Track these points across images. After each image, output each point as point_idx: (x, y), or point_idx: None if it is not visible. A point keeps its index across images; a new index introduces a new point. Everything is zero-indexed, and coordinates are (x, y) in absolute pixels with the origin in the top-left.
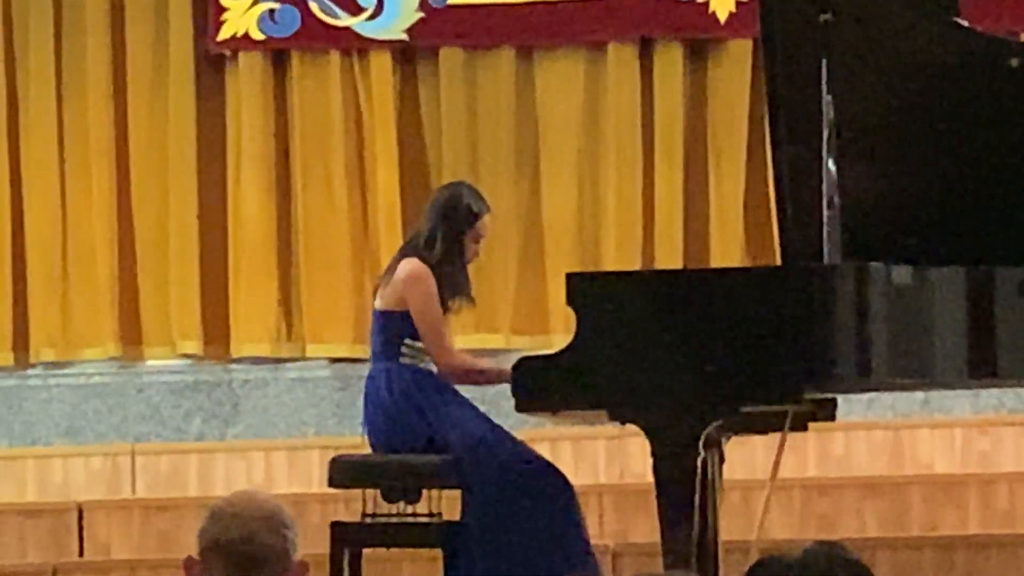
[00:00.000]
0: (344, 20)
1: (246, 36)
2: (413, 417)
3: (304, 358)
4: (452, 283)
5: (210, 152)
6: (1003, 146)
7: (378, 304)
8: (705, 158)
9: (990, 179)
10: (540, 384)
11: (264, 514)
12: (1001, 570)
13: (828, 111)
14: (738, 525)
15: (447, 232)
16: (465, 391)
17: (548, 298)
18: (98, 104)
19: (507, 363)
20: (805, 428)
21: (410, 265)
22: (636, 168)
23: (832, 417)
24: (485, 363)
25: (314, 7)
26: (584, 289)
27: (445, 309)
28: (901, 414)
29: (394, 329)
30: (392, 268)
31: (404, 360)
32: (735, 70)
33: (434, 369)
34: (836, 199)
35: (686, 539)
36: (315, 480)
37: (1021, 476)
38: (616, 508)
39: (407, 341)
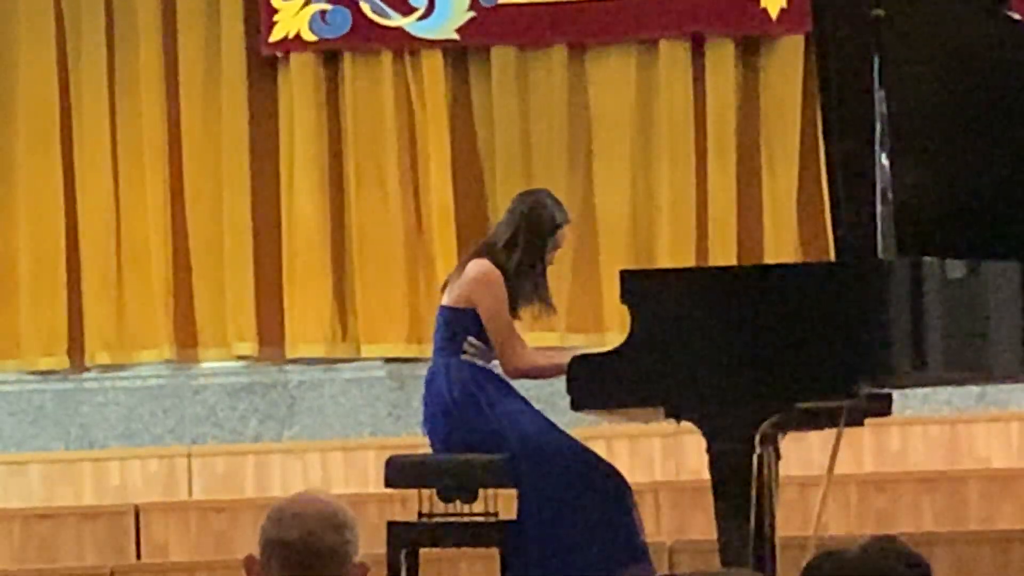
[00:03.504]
0: (395, 20)
1: (298, 37)
2: (471, 412)
3: (359, 358)
4: (531, 289)
5: (263, 153)
6: None
7: (445, 299)
8: (758, 154)
9: None
10: (595, 382)
11: (325, 514)
12: None
13: (880, 106)
14: (795, 521)
15: (529, 239)
16: (522, 389)
17: (603, 296)
18: (151, 107)
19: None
20: (861, 423)
21: (481, 266)
22: (689, 165)
23: (888, 412)
24: (555, 359)
25: (365, 8)
26: (638, 286)
27: (515, 315)
28: (957, 409)
29: (458, 325)
30: (463, 265)
31: (465, 357)
32: (787, 66)
33: (494, 367)
34: (889, 194)
35: (743, 535)
36: (371, 480)
37: None
38: (672, 505)
39: (470, 339)
